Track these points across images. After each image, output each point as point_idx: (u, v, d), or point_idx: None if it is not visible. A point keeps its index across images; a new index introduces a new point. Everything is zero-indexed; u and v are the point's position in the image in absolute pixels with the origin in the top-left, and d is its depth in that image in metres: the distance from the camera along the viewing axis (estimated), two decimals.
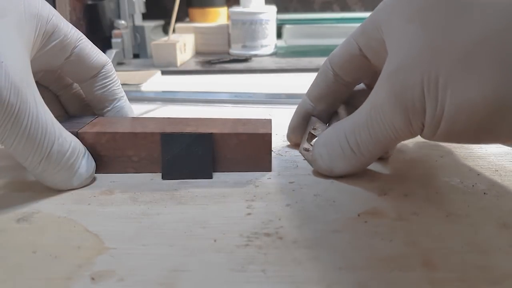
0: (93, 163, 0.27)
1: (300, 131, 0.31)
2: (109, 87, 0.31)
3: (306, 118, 0.31)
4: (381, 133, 0.24)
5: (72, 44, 0.28)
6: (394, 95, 0.22)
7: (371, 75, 0.28)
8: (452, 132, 0.21)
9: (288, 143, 0.33)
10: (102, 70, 0.31)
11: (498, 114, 0.19)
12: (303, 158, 0.30)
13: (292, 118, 0.32)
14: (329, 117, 0.31)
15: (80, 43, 0.29)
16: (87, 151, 0.26)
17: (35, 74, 0.24)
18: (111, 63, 0.31)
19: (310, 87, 0.31)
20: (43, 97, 0.24)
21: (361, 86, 0.32)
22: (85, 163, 0.26)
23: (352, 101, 0.31)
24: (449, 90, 0.20)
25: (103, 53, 0.31)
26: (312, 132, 0.30)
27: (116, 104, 0.32)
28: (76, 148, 0.25)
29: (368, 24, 0.26)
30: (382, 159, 0.29)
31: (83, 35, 0.29)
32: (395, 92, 0.22)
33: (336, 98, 0.30)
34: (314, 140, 0.30)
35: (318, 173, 0.27)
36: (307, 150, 0.30)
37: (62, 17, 0.28)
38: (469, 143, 0.23)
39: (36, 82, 0.24)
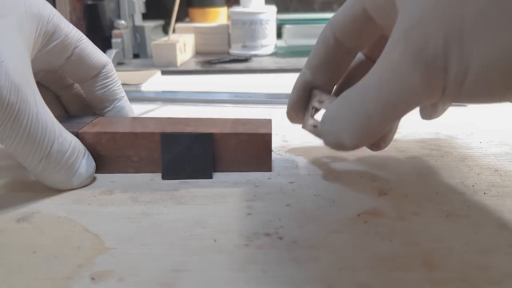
0: (93, 163, 0.27)
1: (301, 105, 0.28)
2: (109, 87, 0.31)
3: (307, 90, 0.28)
4: (395, 97, 0.21)
5: (73, 44, 0.28)
6: (411, 52, 0.20)
7: (375, 39, 0.27)
8: (478, 91, 0.19)
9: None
10: (103, 70, 0.31)
11: None
12: (309, 134, 0.28)
13: (291, 92, 0.29)
14: (331, 89, 0.29)
15: (81, 43, 0.29)
16: (87, 151, 0.27)
17: (36, 74, 0.24)
18: (111, 63, 0.31)
19: (309, 57, 0.28)
20: (44, 97, 0.24)
21: (359, 59, 0.29)
22: (85, 163, 0.26)
23: (352, 80, 0.29)
24: (475, 43, 0.18)
25: (103, 53, 0.31)
26: (317, 105, 0.27)
27: (117, 104, 0.32)
28: (76, 147, 0.25)
29: None
30: (378, 149, 0.28)
31: (83, 35, 0.29)
32: (412, 49, 0.20)
33: (338, 67, 0.28)
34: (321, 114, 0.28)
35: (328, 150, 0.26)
36: (315, 126, 0.27)
37: (62, 17, 0.28)
38: (492, 102, 0.20)
39: (37, 82, 0.24)
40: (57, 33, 0.27)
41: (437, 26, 0.19)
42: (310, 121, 0.27)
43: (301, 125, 0.28)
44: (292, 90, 0.29)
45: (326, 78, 0.28)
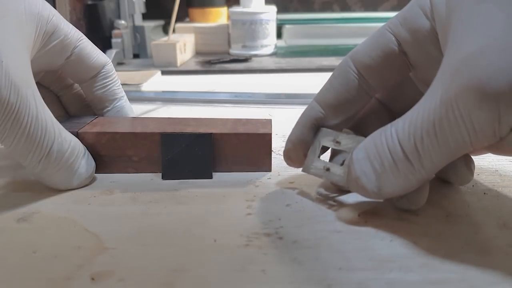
0: (93, 163, 0.27)
1: (304, 145, 0.25)
2: (109, 87, 0.31)
3: (314, 129, 0.25)
4: (452, 136, 0.18)
5: (73, 44, 0.28)
6: (477, 84, 0.17)
7: (400, 80, 0.24)
8: None
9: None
10: (102, 70, 0.31)
11: None
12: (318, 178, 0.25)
13: (295, 128, 0.25)
14: (340, 130, 0.24)
15: (81, 43, 0.29)
16: (87, 151, 0.26)
17: (35, 74, 0.24)
18: (111, 63, 0.31)
19: (321, 91, 0.25)
20: (43, 98, 0.24)
21: (371, 102, 0.26)
22: (84, 163, 0.26)
23: (366, 124, 0.26)
24: None
25: (103, 53, 0.31)
26: (333, 145, 0.24)
27: (116, 104, 0.32)
28: (75, 148, 0.25)
29: (413, 10, 0.21)
30: (407, 210, 0.23)
31: (83, 35, 0.29)
32: (479, 80, 0.17)
33: (355, 108, 0.24)
34: (336, 156, 0.25)
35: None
36: (328, 169, 0.24)
37: (62, 17, 0.28)
38: None
39: (37, 83, 0.24)
40: (57, 33, 0.27)
41: (506, 55, 0.17)
42: (318, 163, 0.24)
43: (300, 168, 0.25)
44: (296, 127, 0.25)
45: (341, 118, 0.24)
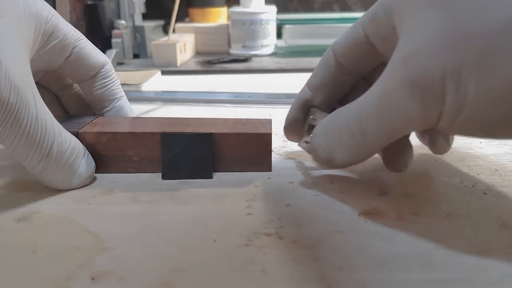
0: (93, 163, 0.27)
1: (298, 123, 0.29)
2: (108, 86, 0.31)
3: (305, 109, 0.29)
4: (391, 120, 0.22)
5: (72, 44, 0.28)
6: (409, 79, 0.20)
7: (376, 65, 0.27)
8: (474, 122, 0.20)
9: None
10: (102, 70, 0.31)
11: None
12: (303, 150, 0.29)
13: (290, 109, 0.29)
14: (329, 109, 0.29)
15: (80, 43, 0.29)
16: (86, 151, 0.26)
17: (35, 74, 0.24)
18: (110, 63, 0.31)
19: (310, 77, 0.29)
20: (43, 98, 0.24)
21: (359, 81, 0.29)
22: (84, 163, 0.26)
23: (348, 98, 0.29)
24: (474, 76, 0.18)
25: (102, 53, 0.31)
26: (311, 122, 0.28)
27: (116, 104, 0.32)
28: (75, 148, 0.25)
29: (377, 9, 0.24)
30: (398, 171, 0.26)
31: (82, 35, 0.29)
32: (411, 76, 0.20)
33: (338, 89, 0.28)
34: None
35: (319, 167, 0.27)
36: (307, 142, 0.28)
37: (61, 17, 0.28)
38: (487, 136, 0.21)
39: (36, 83, 0.24)
40: (56, 33, 0.27)
41: (437, 57, 0.19)
42: (304, 138, 0.28)
43: (297, 143, 0.30)
44: (291, 107, 0.29)
45: (326, 97, 0.28)
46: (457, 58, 0.19)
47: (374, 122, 0.22)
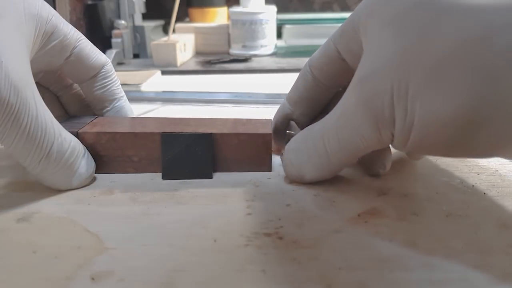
0: (93, 163, 0.27)
1: (280, 136, 0.30)
2: (108, 87, 0.31)
3: (285, 123, 0.30)
4: (349, 140, 0.22)
5: (72, 45, 0.28)
6: (363, 102, 0.21)
7: (350, 79, 0.27)
8: (423, 144, 0.20)
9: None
10: (102, 70, 0.31)
11: (470, 128, 0.18)
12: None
13: (272, 121, 0.30)
14: (309, 122, 0.29)
15: (80, 43, 0.29)
16: (86, 151, 0.26)
17: (35, 74, 0.24)
18: (110, 63, 0.31)
19: (289, 91, 0.30)
20: (43, 98, 0.24)
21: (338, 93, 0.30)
22: (84, 163, 0.26)
23: (328, 111, 0.29)
24: (419, 100, 0.19)
25: (102, 54, 0.31)
26: (288, 136, 0.29)
27: (116, 104, 0.32)
28: (75, 148, 0.25)
29: (347, 26, 0.25)
30: (376, 175, 0.27)
31: (82, 35, 0.29)
32: (364, 99, 0.21)
33: (316, 102, 0.29)
34: None
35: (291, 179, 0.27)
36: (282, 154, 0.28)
37: (61, 17, 0.28)
38: (441, 155, 0.21)
39: (37, 83, 0.24)
40: (56, 33, 0.27)
41: (387, 80, 0.20)
42: (282, 150, 0.29)
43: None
44: (272, 120, 0.31)
45: (304, 111, 0.29)
46: (404, 81, 0.19)
47: (336, 142, 0.23)
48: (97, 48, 0.30)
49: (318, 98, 0.29)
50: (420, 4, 0.19)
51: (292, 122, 0.30)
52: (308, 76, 0.28)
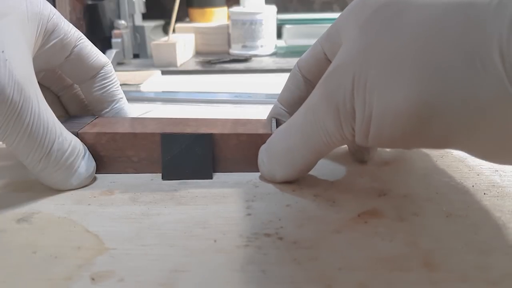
0: (93, 163, 0.27)
1: None
2: (108, 88, 0.31)
3: (278, 124, 0.30)
4: (313, 135, 0.23)
5: (72, 43, 0.28)
6: (326, 95, 0.22)
7: None
8: (381, 137, 0.20)
9: None
10: (101, 71, 0.31)
11: (422, 119, 0.18)
12: None
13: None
14: None
15: (80, 42, 0.29)
16: (87, 151, 0.26)
17: (36, 74, 0.24)
18: (111, 64, 0.31)
19: (281, 92, 0.30)
20: (44, 98, 0.24)
21: None
22: (84, 163, 0.26)
23: None
24: (376, 93, 0.19)
25: (103, 54, 0.31)
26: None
27: (115, 106, 0.32)
28: (76, 147, 0.25)
29: (331, 29, 0.26)
30: (363, 161, 0.29)
31: (83, 35, 0.29)
32: (327, 93, 0.21)
33: None
34: None
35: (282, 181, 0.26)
36: None
37: (62, 16, 0.28)
38: (400, 147, 0.22)
39: (38, 83, 0.24)
40: (57, 32, 0.27)
41: (349, 73, 0.20)
42: None
43: None
44: (266, 122, 0.31)
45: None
46: (364, 75, 0.20)
47: (299, 137, 0.24)
48: (97, 49, 0.30)
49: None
50: (385, 5, 0.20)
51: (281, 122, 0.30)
52: (298, 76, 0.29)
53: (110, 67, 0.31)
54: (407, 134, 0.19)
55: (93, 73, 0.30)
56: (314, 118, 0.22)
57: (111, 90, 0.31)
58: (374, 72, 0.19)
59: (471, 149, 0.19)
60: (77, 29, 0.29)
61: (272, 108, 0.31)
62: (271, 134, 0.28)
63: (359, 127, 0.21)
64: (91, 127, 0.28)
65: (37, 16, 0.25)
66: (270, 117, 0.30)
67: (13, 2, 0.23)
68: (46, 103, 0.24)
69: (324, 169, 0.28)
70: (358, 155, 0.28)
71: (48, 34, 0.26)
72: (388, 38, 0.19)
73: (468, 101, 0.17)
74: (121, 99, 0.32)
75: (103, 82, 0.31)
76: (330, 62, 0.26)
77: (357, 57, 0.20)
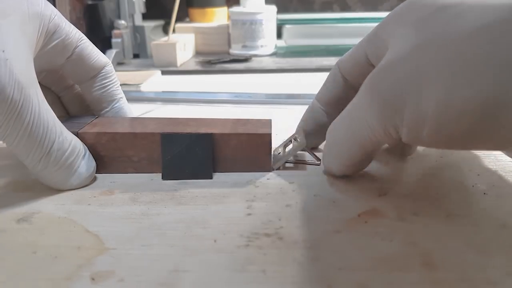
0: (94, 163, 0.27)
1: (314, 137, 0.31)
2: (108, 88, 0.31)
3: (320, 124, 0.30)
4: (357, 131, 0.23)
5: (74, 44, 0.28)
6: (372, 91, 0.22)
7: None
8: (440, 134, 0.20)
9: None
10: (102, 71, 0.31)
11: (489, 116, 0.18)
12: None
13: (307, 123, 0.31)
14: None
15: (81, 43, 0.29)
16: (87, 151, 0.27)
17: (37, 74, 0.24)
18: (111, 64, 0.31)
19: (320, 92, 0.30)
20: (45, 98, 0.24)
21: None
22: (85, 163, 0.26)
23: None
24: (434, 90, 0.19)
25: (103, 55, 0.31)
26: (294, 141, 0.30)
27: (115, 105, 0.32)
28: (76, 147, 0.25)
29: (376, 31, 0.25)
30: (404, 155, 0.30)
31: (84, 36, 0.29)
32: (373, 88, 0.22)
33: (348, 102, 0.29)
34: (288, 148, 0.30)
35: (325, 174, 0.28)
36: (279, 153, 0.30)
37: (63, 17, 0.28)
38: (456, 148, 0.22)
39: (39, 83, 0.24)
40: (58, 32, 0.27)
41: (401, 69, 0.20)
42: (279, 149, 0.31)
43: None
44: (307, 122, 0.31)
45: (338, 111, 0.28)
46: (419, 71, 0.19)
47: (343, 133, 0.24)
48: (98, 49, 0.30)
49: (349, 97, 0.28)
50: (443, 7, 0.20)
51: (298, 129, 0.31)
52: (338, 77, 0.29)
53: (110, 67, 0.31)
54: (471, 131, 0.19)
55: (94, 73, 0.30)
56: (358, 113, 0.23)
57: (111, 89, 0.31)
58: (433, 68, 0.19)
59: None
60: (78, 30, 0.29)
61: (310, 109, 0.31)
62: (270, 134, 0.28)
63: (412, 123, 0.20)
64: (91, 127, 0.28)
65: (38, 17, 0.25)
66: (311, 118, 0.30)
67: (13, 2, 0.23)
68: (47, 103, 0.24)
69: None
70: (401, 151, 0.29)
71: (49, 34, 0.26)
72: (449, 35, 0.19)
73: None
74: (121, 99, 0.32)
75: (104, 82, 0.31)
76: (373, 66, 0.26)
77: (411, 54, 0.20)
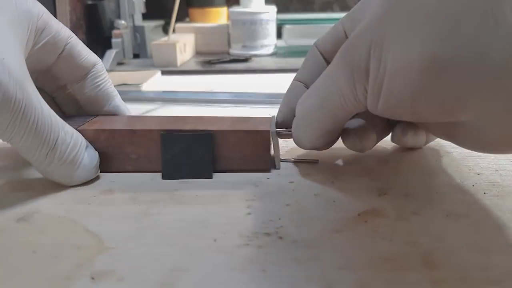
0: (96, 154, 0.27)
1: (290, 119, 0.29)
2: (101, 86, 0.31)
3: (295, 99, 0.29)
4: (328, 98, 0.23)
5: (64, 41, 0.28)
6: (342, 57, 0.22)
7: None
8: (391, 96, 0.20)
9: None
10: (93, 70, 0.30)
11: (433, 74, 0.18)
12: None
13: (283, 105, 0.30)
14: None
15: (71, 40, 0.29)
16: (88, 144, 0.27)
17: (30, 75, 0.24)
18: (101, 63, 0.31)
19: (299, 73, 0.30)
20: None
21: None
22: (88, 155, 0.26)
23: None
24: (391, 50, 0.19)
25: (93, 53, 0.31)
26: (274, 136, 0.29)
27: (111, 104, 0.32)
28: (78, 140, 0.25)
29: (356, 8, 0.26)
30: (416, 148, 0.30)
31: (73, 33, 0.29)
32: (343, 54, 0.22)
33: None
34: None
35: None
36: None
37: (51, 15, 0.28)
38: (406, 117, 0.22)
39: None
40: (48, 30, 0.27)
41: (366, 36, 0.21)
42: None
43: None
44: (282, 105, 0.30)
45: None
46: (381, 32, 0.20)
47: (316, 100, 0.24)
48: (87, 48, 0.30)
49: None
50: None
51: None
52: (317, 57, 0.29)
53: (101, 65, 0.31)
54: (417, 92, 0.19)
55: (85, 71, 0.30)
56: (330, 81, 0.23)
57: (104, 88, 0.31)
58: (390, 32, 0.19)
59: (481, 124, 0.19)
60: (67, 28, 0.29)
61: (289, 88, 0.30)
62: (269, 131, 0.28)
63: (372, 86, 0.20)
64: (90, 124, 0.28)
65: (27, 15, 0.25)
66: (288, 95, 0.30)
67: (2, 1, 0.23)
68: (43, 100, 0.24)
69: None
70: (414, 141, 0.29)
71: (39, 32, 0.26)
72: (408, 0, 0.19)
73: (480, 58, 0.17)
74: (116, 96, 0.32)
75: (96, 81, 0.31)
76: None
77: (377, 22, 0.20)
